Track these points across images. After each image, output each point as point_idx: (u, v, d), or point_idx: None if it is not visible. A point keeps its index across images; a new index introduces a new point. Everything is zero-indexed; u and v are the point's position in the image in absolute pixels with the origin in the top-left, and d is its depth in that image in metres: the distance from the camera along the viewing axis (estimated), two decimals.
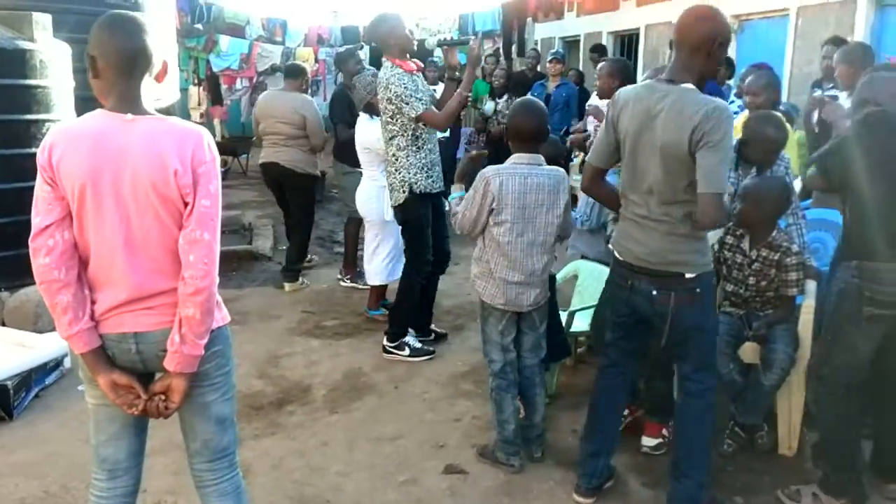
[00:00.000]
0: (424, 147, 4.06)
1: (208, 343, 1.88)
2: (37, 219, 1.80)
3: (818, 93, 5.37)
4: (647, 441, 3.20)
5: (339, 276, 5.82)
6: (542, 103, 3.23)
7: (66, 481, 3.02)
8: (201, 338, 1.85)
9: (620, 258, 2.66)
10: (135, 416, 1.91)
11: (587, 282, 4.05)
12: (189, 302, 1.80)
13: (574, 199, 3.64)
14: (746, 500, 2.89)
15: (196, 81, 11.74)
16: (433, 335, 4.56)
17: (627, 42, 10.40)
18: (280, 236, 7.12)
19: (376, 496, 2.93)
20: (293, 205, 5.75)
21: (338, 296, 5.51)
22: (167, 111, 6.04)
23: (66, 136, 1.80)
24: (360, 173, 4.95)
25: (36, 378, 3.74)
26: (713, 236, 3.60)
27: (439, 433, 3.42)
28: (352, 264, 5.70)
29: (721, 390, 3.30)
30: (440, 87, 8.23)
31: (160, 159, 1.76)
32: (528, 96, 3.53)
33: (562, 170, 3.12)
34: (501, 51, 12.30)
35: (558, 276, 3.99)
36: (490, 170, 2.96)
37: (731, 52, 8.06)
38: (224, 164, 10.59)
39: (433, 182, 4.11)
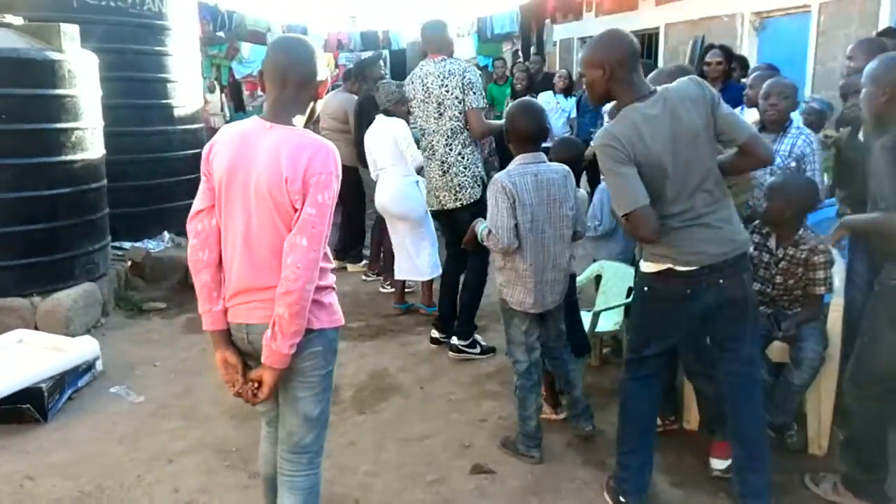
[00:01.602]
0: (478, 141, 4.22)
1: (307, 342, 2.00)
2: (194, 204, 2.06)
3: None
4: (718, 464, 2.98)
5: (366, 278, 5.90)
6: (538, 103, 3.26)
7: (101, 481, 3.08)
8: (291, 338, 1.94)
9: (684, 268, 2.52)
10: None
11: (611, 282, 4.04)
12: (280, 301, 1.91)
13: None
14: (777, 499, 2.87)
15: (219, 88, 11.87)
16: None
17: (647, 41, 10.36)
18: None
19: (405, 496, 2.95)
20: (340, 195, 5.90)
21: (362, 298, 5.55)
22: (191, 118, 6.16)
23: (224, 135, 2.05)
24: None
25: (69, 381, 3.81)
26: None
27: (465, 433, 3.44)
28: (390, 269, 5.50)
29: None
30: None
31: (276, 166, 1.91)
32: (527, 98, 3.60)
33: (564, 166, 3.15)
34: (521, 52, 12.32)
35: (581, 277, 4.00)
36: (499, 176, 3.02)
37: (753, 50, 8.02)
38: None
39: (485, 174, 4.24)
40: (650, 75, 3.11)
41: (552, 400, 3.56)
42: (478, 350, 4.30)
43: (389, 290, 5.49)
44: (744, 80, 6.36)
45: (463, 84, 3.98)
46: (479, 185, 4.10)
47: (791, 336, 3.13)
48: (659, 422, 3.28)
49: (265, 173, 1.92)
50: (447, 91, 4.01)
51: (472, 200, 4.13)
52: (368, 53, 10.90)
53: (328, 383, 2.15)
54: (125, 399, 3.86)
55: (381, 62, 6.15)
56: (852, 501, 2.78)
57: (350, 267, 6.22)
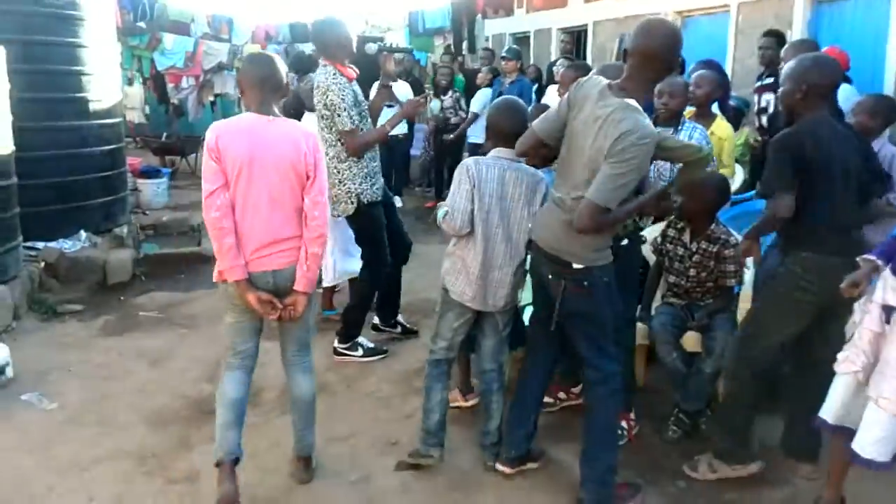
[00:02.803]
0: (367, 155, 3.99)
1: None
2: (207, 185, 2.59)
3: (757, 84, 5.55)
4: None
5: None
6: (521, 103, 3.23)
7: (9, 493, 2.95)
8: (318, 268, 2.78)
9: (532, 237, 2.83)
10: (258, 325, 2.84)
11: None
12: (314, 243, 2.69)
13: None
14: (690, 485, 2.98)
15: (141, 80, 11.47)
16: (400, 328, 4.57)
17: (576, 39, 10.53)
18: None
19: (328, 495, 2.93)
20: None
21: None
22: (107, 112, 5.91)
23: (228, 129, 2.63)
24: None
25: None
26: (654, 231, 3.70)
27: (392, 431, 3.43)
28: None
29: (665, 378, 3.42)
30: (400, 84, 8.27)
31: (296, 146, 2.64)
32: (510, 96, 3.50)
33: (541, 173, 3.08)
34: (453, 47, 12.35)
35: None
36: (470, 160, 2.99)
37: None
38: (172, 164, 10.37)
39: (377, 190, 4.06)
40: (597, 68, 3.19)
41: (464, 386, 3.58)
42: (360, 353, 4.25)
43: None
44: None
45: (324, 103, 3.81)
46: (352, 203, 3.96)
47: (703, 326, 3.26)
48: (563, 395, 3.45)
49: (286, 152, 2.62)
50: (318, 102, 3.88)
51: (346, 215, 4.03)
52: (298, 46, 10.73)
53: (316, 299, 3.05)
54: (37, 406, 3.70)
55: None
56: (728, 470, 2.95)
57: None
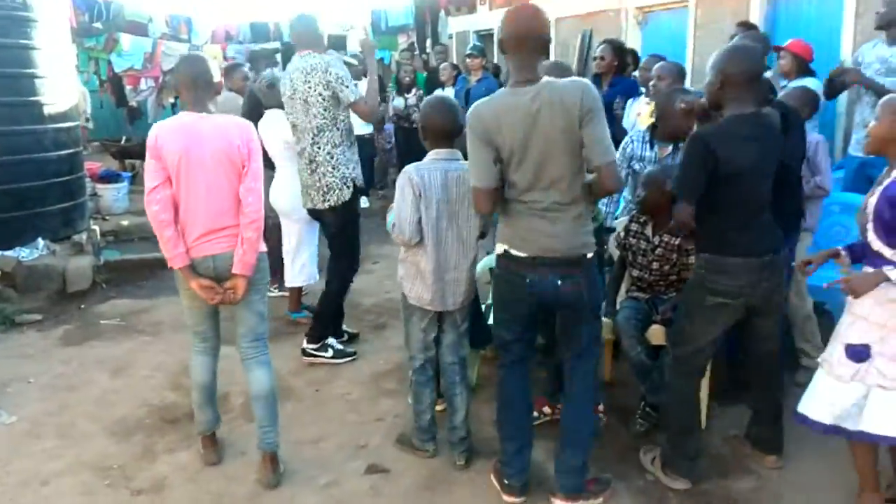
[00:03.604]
0: (354, 142, 4.09)
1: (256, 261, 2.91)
2: (149, 182, 2.79)
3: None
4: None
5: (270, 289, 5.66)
6: (454, 100, 3.23)
7: None
8: (255, 252, 2.89)
9: (518, 253, 2.64)
10: (211, 307, 2.99)
11: None
12: (248, 228, 2.85)
13: None
14: (657, 478, 3.00)
15: (99, 82, 11.23)
16: (346, 335, 4.52)
17: None
18: None
19: (296, 501, 2.90)
20: None
21: None
22: (63, 116, 5.78)
23: (165, 128, 2.81)
24: (271, 175, 4.84)
25: None
26: (617, 225, 3.73)
27: (361, 433, 3.41)
28: (278, 273, 5.21)
29: (631, 372, 3.45)
30: (361, 84, 8.22)
31: (228, 139, 2.82)
32: (440, 93, 3.53)
33: None
34: (416, 45, 12.32)
35: (478, 267, 4.03)
36: (410, 167, 2.97)
37: (637, 43, 8.32)
38: (132, 167, 10.17)
39: (360, 176, 4.13)
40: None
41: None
42: (329, 354, 4.21)
43: (277, 293, 5.30)
44: (635, 74, 6.66)
45: (327, 81, 3.83)
46: (348, 188, 3.98)
47: (667, 319, 3.28)
48: (549, 410, 3.39)
49: (220, 145, 2.80)
50: (310, 87, 3.87)
51: (339, 202, 4.00)
52: (258, 46, 10.60)
53: (266, 290, 3.10)
54: None
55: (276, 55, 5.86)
56: (660, 474, 2.97)
57: None
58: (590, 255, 2.64)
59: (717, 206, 2.69)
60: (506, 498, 2.85)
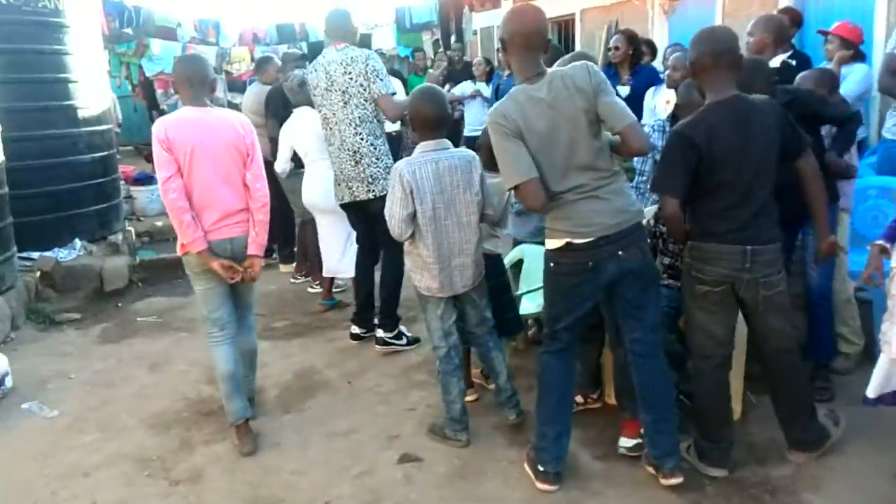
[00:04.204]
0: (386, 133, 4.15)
1: None
2: (162, 173, 2.97)
3: None
4: (625, 442, 3.02)
5: (294, 280, 5.73)
6: (441, 90, 3.27)
7: (12, 500, 2.95)
8: (266, 234, 3.18)
9: (582, 241, 2.62)
10: (227, 290, 3.20)
11: (533, 265, 4.08)
12: (259, 211, 3.14)
13: None
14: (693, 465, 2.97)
15: (131, 87, 11.44)
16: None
17: (564, 28, 10.52)
18: None
19: (331, 491, 2.93)
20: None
21: (287, 297, 5.46)
22: (97, 119, 5.88)
23: (173, 122, 3.03)
24: (302, 173, 4.90)
25: None
26: (648, 213, 3.70)
27: (393, 424, 3.43)
28: (319, 269, 5.24)
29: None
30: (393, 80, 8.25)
31: (234, 129, 3.08)
32: (427, 84, 3.59)
33: (470, 151, 3.17)
34: (441, 41, 12.33)
35: (505, 260, 4.03)
36: (400, 163, 3.03)
37: (663, 34, 8.25)
38: None
39: None
40: (558, 60, 3.18)
41: (466, 381, 3.58)
42: (404, 341, 4.27)
43: (318, 289, 5.37)
44: (653, 64, 6.60)
45: (367, 71, 3.91)
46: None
47: None
48: (581, 399, 3.37)
49: (228, 136, 3.05)
50: (351, 79, 3.93)
51: (384, 192, 3.96)
52: (285, 47, 10.69)
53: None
54: (38, 415, 3.70)
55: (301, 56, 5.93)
56: (696, 463, 2.92)
57: (283, 267, 6.10)
58: (644, 220, 2.72)
59: (701, 193, 2.67)
60: (539, 485, 2.84)
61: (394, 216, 3.00)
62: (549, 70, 2.64)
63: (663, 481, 2.78)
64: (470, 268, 3.08)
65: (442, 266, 3.02)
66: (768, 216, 2.69)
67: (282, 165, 4.97)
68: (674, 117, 3.78)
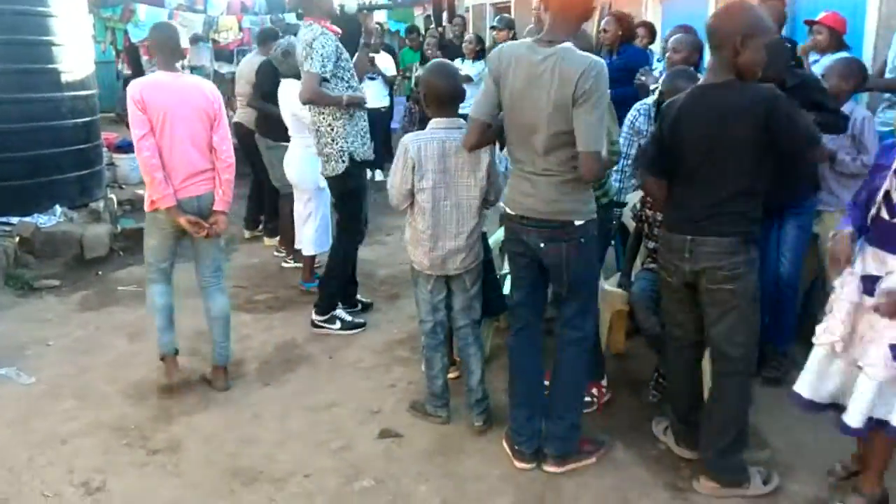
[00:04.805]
0: (356, 113, 3.99)
1: None
2: (137, 131, 3.17)
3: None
4: None
5: (278, 254, 5.69)
6: (452, 64, 3.20)
7: None
8: (231, 191, 3.39)
9: (511, 212, 2.76)
10: (172, 246, 3.44)
11: None
12: (225, 171, 3.34)
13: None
14: (669, 448, 3.00)
15: (115, 53, 11.22)
16: (360, 305, 4.54)
17: None
18: None
19: (310, 463, 2.93)
20: (252, 163, 5.86)
21: (270, 270, 5.43)
22: (80, 84, 5.76)
23: (149, 84, 3.23)
24: (286, 146, 4.85)
25: None
26: (633, 197, 3.70)
27: (374, 399, 3.44)
28: (291, 243, 5.34)
29: (645, 343, 3.44)
30: (382, 56, 8.13)
31: (203, 94, 3.29)
32: (440, 59, 3.48)
33: None
34: (433, 18, 12.19)
35: (490, 241, 4.02)
36: (408, 136, 2.98)
37: (657, 18, 8.20)
38: None
39: (368, 149, 4.06)
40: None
41: (447, 359, 3.59)
42: (337, 326, 4.22)
43: (291, 263, 5.37)
44: (651, 47, 6.58)
45: (308, 50, 3.78)
46: (343, 161, 3.93)
47: None
48: (595, 392, 3.32)
49: (197, 100, 3.26)
50: (303, 58, 3.84)
51: (335, 174, 3.99)
52: (277, 16, 10.51)
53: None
54: (15, 381, 3.66)
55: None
56: (672, 444, 2.97)
57: (267, 240, 6.05)
58: (578, 222, 2.62)
59: (672, 179, 2.67)
60: (516, 464, 2.88)
61: (393, 185, 2.98)
62: (564, 44, 2.49)
63: (545, 467, 2.85)
64: (464, 251, 3.02)
65: (433, 245, 2.99)
66: (727, 215, 2.53)
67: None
68: (659, 103, 3.77)
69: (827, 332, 2.48)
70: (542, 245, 2.68)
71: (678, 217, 2.66)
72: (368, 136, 4.10)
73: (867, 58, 5.53)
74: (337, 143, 3.94)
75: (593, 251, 2.76)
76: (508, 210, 2.77)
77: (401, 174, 2.95)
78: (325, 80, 3.80)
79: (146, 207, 3.35)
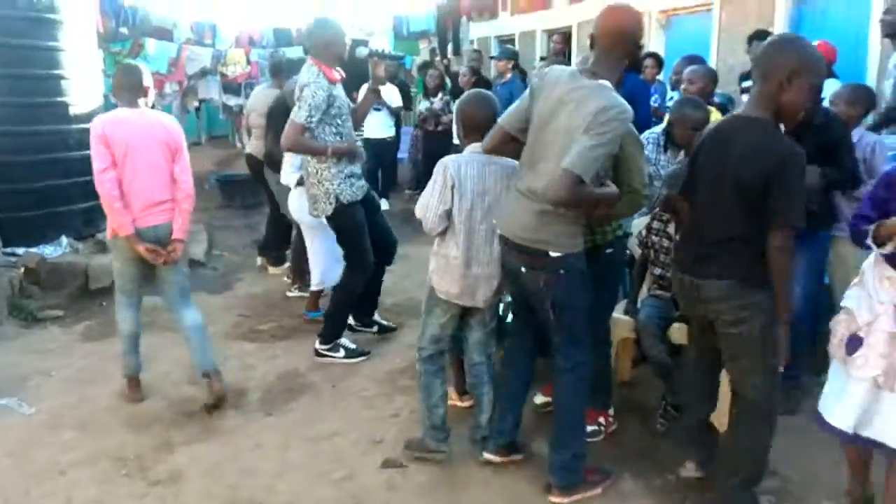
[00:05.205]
0: (349, 159, 3.94)
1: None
2: (98, 164, 3.35)
3: (747, 83, 5.56)
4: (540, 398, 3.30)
5: (288, 281, 5.67)
6: (491, 94, 3.19)
7: None
8: (189, 221, 3.58)
9: (499, 230, 2.78)
10: (141, 271, 3.60)
11: None
12: (184, 201, 3.52)
13: None
14: (677, 478, 2.94)
15: None
16: (377, 327, 4.53)
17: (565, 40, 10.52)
18: (213, 241, 6.96)
19: (311, 494, 2.88)
20: (268, 194, 5.86)
21: (274, 299, 5.40)
22: (88, 117, 5.80)
23: (109, 121, 3.41)
24: None
25: None
26: (639, 224, 3.68)
27: (377, 429, 3.39)
28: (299, 274, 5.35)
29: (652, 371, 3.39)
30: (388, 87, 8.17)
31: (164, 128, 3.48)
32: (478, 89, 3.43)
33: (516, 161, 3.00)
34: (438, 51, 12.35)
35: None
36: (448, 158, 2.95)
37: (660, 46, 8.27)
38: None
39: (357, 190, 3.99)
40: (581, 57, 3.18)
41: (460, 386, 3.55)
42: (341, 354, 4.19)
43: (296, 293, 5.37)
44: (659, 78, 6.65)
45: (297, 94, 3.80)
46: (331, 203, 3.91)
47: None
48: (602, 421, 3.28)
49: (160, 135, 3.45)
50: (296, 98, 3.83)
51: (325, 214, 4.00)
52: (282, 50, 10.67)
53: (188, 255, 3.79)
54: (16, 411, 3.63)
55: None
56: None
57: (271, 269, 6.05)
58: (554, 254, 2.58)
59: (692, 204, 2.63)
60: (484, 454, 3.02)
61: (430, 208, 2.91)
62: (601, 82, 2.50)
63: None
64: (495, 280, 2.96)
65: (464, 272, 2.92)
66: (724, 257, 2.46)
67: (285, 176, 4.81)
68: (667, 132, 3.77)
69: (868, 367, 2.38)
70: (522, 269, 2.68)
71: (683, 255, 2.63)
72: (357, 176, 4.03)
73: (871, 81, 5.55)
74: (323, 186, 3.92)
75: (577, 282, 2.66)
76: (497, 228, 2.81)
77: (439, 194, 2.89)
78: (310, 129, 3.79)
79: (108, 234, 3.54)
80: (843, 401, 2.46)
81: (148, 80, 3.54)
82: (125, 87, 3.47)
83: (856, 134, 3.46)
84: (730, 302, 2.45)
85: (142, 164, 3.38)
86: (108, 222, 3.47)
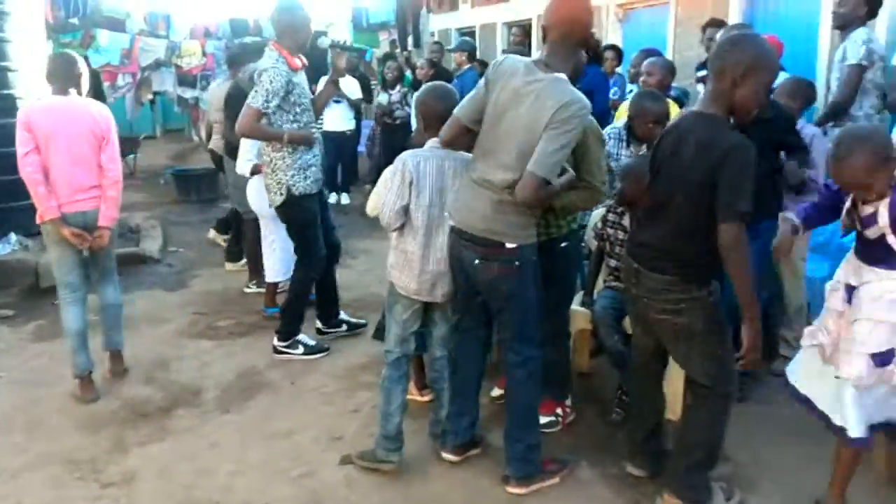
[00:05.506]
0: (299, 147, 3.88)
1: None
2: (21, 148, 3.40)
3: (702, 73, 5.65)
4: (541, 419, 3.13)
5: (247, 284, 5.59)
6: (451, 87, 3.18)
7: None
8: (117, 208, 3.63)
9: (452, 222, 2.76)
10: (79, 259, 3.63)
11: None
12: (111, 188, 3.58)
13: None
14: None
15: None
16: (346, 326, 4.51)
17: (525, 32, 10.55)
18: (169, 237, 6.83)
19: (269, 492, 2.86)
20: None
21: (231, 296, 5.33)
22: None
23: (36, 108, 3.47)
24: None
25: None
26: (595, 216, 3.72)
27: (337, 426, 3.37)
28: (256, 269, 5.24)
29: (608, 361, 3.44)
30: (348, 79, 8.06)
31: (91, 116, 3.52)
32: (438, 81, 3.38)
33: None
34: (398, 42, 12.28)
35: None
36: (407, 153, 2.91)
37: (618, 40, 8.35)
38: None
39: (312, 183, 3.94)
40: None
41: (419, 382, 3.55)
42: (300, 350, 4.16)
43: (253, 288, 5.30)
44: (618, 70, 6.72)
45: (256, 79, 3.74)
46: (281, 194, 3.87)
47: None
48: (560, 411, 3.32)
49: (86, 122, 3.50)
50: (256, 83, 3.76)
51: (274, 205, 3.98)
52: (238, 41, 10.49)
53: (115, 240, 3.83)
54: None
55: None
56: (627, 464, 2.96)
57: (228, 265, 5.96)
58: (510, 245, 2.61)
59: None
60: (443, 454, 3.02)
61: (386, 203, 2.87)
62: (557, 74, 2.51)
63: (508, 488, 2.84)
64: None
65: (423, 267, 2.89)
66: (669, 253, 2.49)
67: (241, 166, 4.72)
68: (629, 127, 3.80)
69: (813, 336, 2.56)
70: (476, 262, 2.67)
71: (636, 242, 2.66)
72: (315, 169, 3.97)
73: (821, 74, 5.69)
74: (276, 175, 3.87)
75: (530, 274, 2.69)
76: (450, 220, 2.77)
77: (397, 190, 2.85)
78: (266, 114, 3.73)
79: (37, 220, 3.52)
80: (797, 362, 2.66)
81: (82, 70, 3.60)
82: (57, 76, 3.53)
83: (797, 126, 3.55)
84: (666, 295, 2.51)
85: (64, 150, 3.42)
86: (37, 209, 3.49)
